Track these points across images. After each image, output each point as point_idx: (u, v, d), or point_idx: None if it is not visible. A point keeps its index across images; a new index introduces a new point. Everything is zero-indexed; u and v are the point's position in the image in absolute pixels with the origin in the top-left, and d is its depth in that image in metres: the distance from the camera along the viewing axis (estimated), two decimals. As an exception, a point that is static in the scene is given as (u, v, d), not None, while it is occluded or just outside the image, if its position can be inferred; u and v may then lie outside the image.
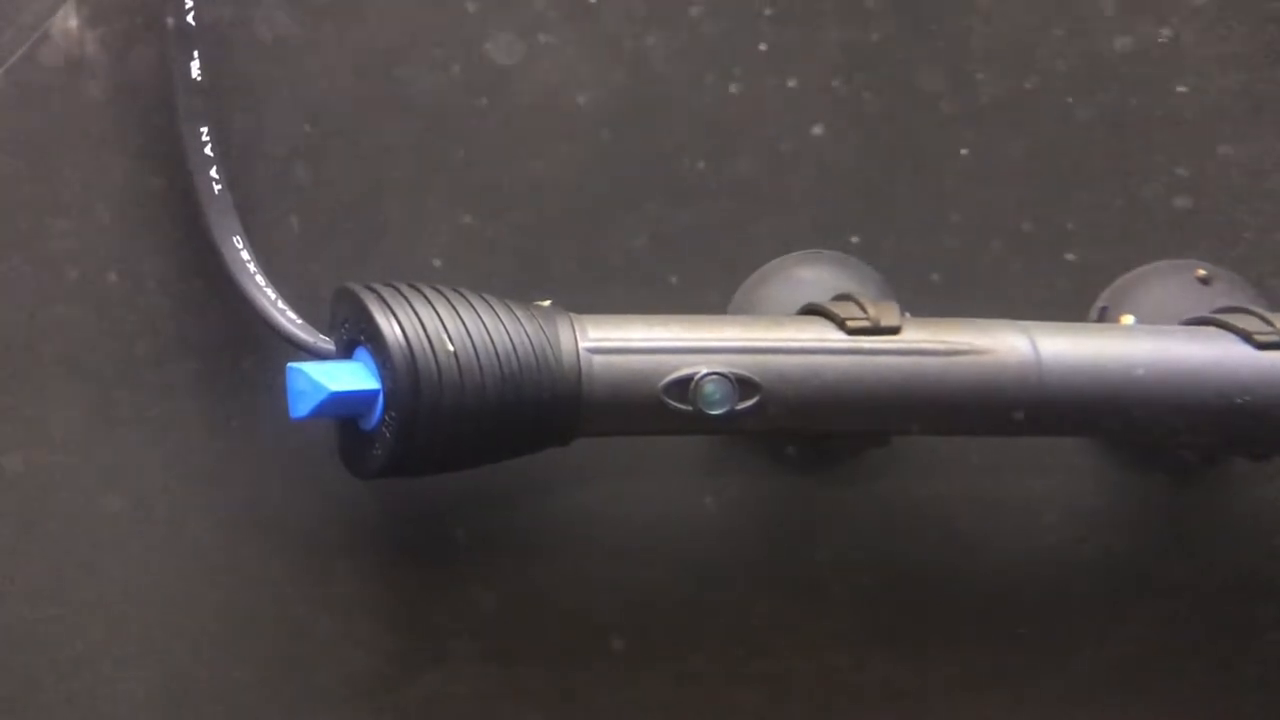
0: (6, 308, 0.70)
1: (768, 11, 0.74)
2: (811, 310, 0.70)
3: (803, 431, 0.73)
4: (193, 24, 0.67)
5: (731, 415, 0.64)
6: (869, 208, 0.76)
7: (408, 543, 0.74)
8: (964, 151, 0.76)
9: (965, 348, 0.67)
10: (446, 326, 0.62)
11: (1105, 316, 0.77)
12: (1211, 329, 0.71)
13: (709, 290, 0.75)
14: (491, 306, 0.64)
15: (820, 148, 0.75)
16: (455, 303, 0.63)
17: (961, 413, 0.67)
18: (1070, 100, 0.76)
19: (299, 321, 0.67)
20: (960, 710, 0.79)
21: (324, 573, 0.73)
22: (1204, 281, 0.77)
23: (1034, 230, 0.77)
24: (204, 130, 0.67)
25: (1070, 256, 0.77)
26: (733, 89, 0.74)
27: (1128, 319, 0.76)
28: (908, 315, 0.68)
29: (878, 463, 0.77)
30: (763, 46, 0.74)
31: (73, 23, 0.69)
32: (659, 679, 0.77)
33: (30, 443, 0.71)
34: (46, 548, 0.71)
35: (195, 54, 0.67)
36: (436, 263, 0.72)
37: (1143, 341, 0.69)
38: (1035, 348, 0.67)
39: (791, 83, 0.75)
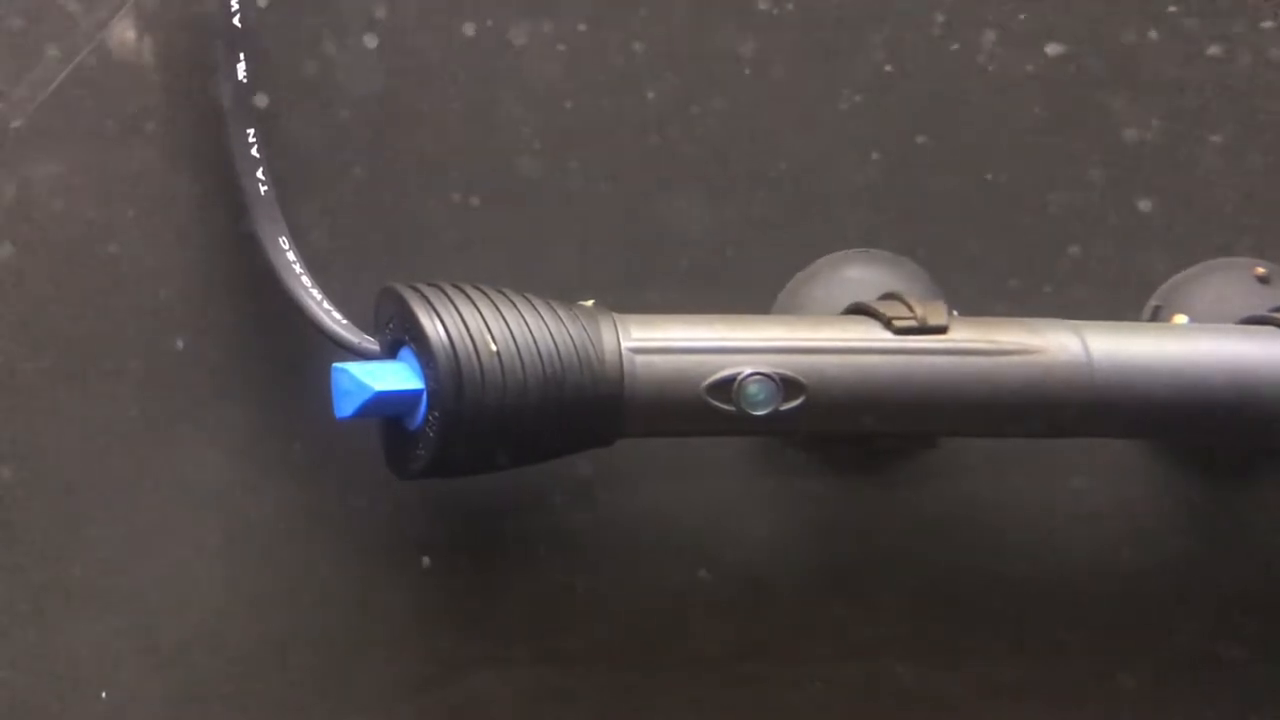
0: (56, 309, 0.71)
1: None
2: (857, 309, 0.69)
3: (848, 433, 0.72)
4: (239, 26, 0.67)
5: (775, 416, 0.64)
6: (916, 206, 0.75)
7: (451, 543, 0.74)
8: (1012, 149, 0.75)
9: (1014, 347, 0.66)
10: (490, 326, 0.62)
11: (1158, 316, 0.76)
12: (1269, 328, 0.70)
13: (753, 290, 0.74)
14: (534, 306, 0.64)
15: (865, 145, 0.75)
16: (498, 303, 0.63)
17: (1011, 414, 0.66)
18: (1122, 97, 0.75)
19: (344, 322, 0.67)
20: (1010, 718, 0.78)
21: (368, 573, 0.74)
22: (1263, 280, 0.76)
23: (1085, 227, 0.76)
24: (250, 132, 0.67)
25: (1123, 254, 0.76)
26: (775, 85, 0.74)
27: (1181, 318, 0.75)
28: (955, 314, 0.68)
29: (925, 465, 0.76)
30: (806, 41, 0.74)
31: (129, 31, 0.70)
32: (706, 681, 0.77)
33: (75, 442, 0.71)
34: (92, 548, 0.72)
35: (241, 56, 0.67)
36: (480, 262, 0.72)
37: (1197, 341, 0.68)
38: (1086, 347, 0.66)
39: (835, 79, 0.74)
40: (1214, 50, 0.75)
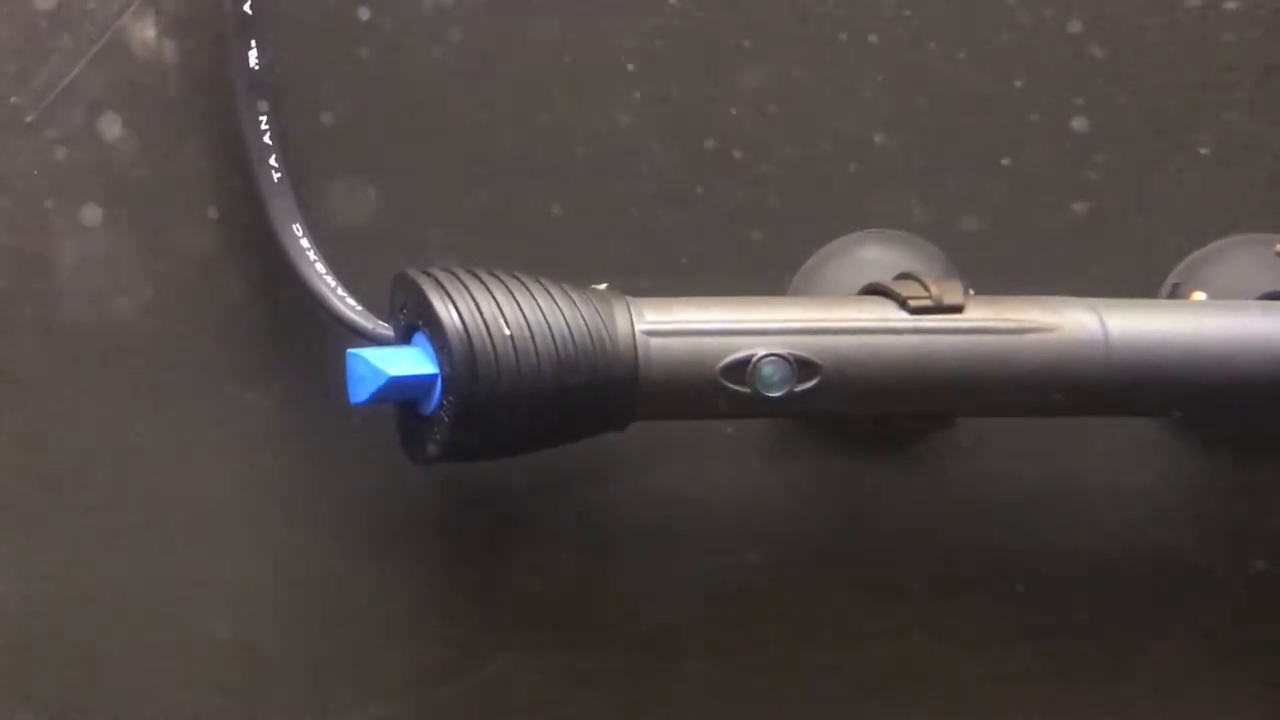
0: (69, 298, 0.71)
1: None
2: (873, 290, 0.69)
3: (864, 413, 0.72)
4: (250, 13, 0.67)
5: (791, 397, 0.64)
6: (931, 185, 0.75)
7: (467, 528, 0.75)
8: (1029, 126, 0.75)
9: (1031, 325, 0.66)
10: (503, 311, 0.62)
11: (1177, 293, 0.75)
12: (1289, 305, 0.69)
13: (768, 272, 0.74)
14: (548, 290, 0.64)
15: (881, 124, 0.74)
16: (512, 287, 0.63)
17: (1027, 392, 0.66)
18: (1139, 71, 0.75)
19: (358, 308, 0.67)
20: (1027, 701, 0.78)
21: (385, 559, 0.74)
22: (1283, 256, 0.75)
23: (1102, 204, 0.75)
24: (263, 119, 0.67)
25: (1141, 231, 0.75)
26: (790, 66, 0.74)
27: (1199, 296, 0.74)
28: (971, 293, 0.67)
29: (941, 445, 0.76)
30: (820, 23, 0.74)
31: (145, 27, 0.70)
32: (725, 664, 0.77)
33: (88, 429, 0.72)
34: (110, 537, 0.72)
35: (253, 43, 0.67)
36: (493, 248, 0.72)
37: (1215, 318, 0.68)
38: (1104, 325, 0.66)
39: (848, 57, 0.74)
40: (1228, 33, 0.75)
